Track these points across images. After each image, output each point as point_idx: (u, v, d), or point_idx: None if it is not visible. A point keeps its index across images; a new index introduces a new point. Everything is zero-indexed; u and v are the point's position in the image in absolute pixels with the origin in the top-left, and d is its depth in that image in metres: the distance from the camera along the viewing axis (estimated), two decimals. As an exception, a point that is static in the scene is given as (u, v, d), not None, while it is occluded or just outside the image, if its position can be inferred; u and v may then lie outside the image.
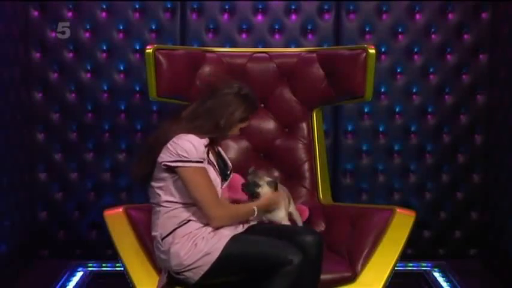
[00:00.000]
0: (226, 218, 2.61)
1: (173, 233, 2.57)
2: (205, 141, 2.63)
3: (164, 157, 2.56)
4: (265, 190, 2.78)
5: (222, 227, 2.61)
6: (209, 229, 2.59)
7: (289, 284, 2.48)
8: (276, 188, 2.81)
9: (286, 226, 2.88)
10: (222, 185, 2.70)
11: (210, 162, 2.65)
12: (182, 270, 2.55)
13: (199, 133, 2.60)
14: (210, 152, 2.68)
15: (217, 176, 2.68)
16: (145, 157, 2.63)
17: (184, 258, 2.53)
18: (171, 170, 2.56)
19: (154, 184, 2.63)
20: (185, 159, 2.53)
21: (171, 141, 2.55)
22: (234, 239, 2.57)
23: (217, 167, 2.71)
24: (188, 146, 2.54)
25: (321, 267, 2.66)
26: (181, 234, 2.56)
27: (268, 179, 2.82)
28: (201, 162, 2.57)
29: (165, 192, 2.60)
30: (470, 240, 4.27)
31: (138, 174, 2.66)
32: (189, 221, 2.59)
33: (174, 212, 2.59)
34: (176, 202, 2.59)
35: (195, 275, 2.54)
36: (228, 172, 2.81)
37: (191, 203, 2.59)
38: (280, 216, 2.85)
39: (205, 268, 2.52)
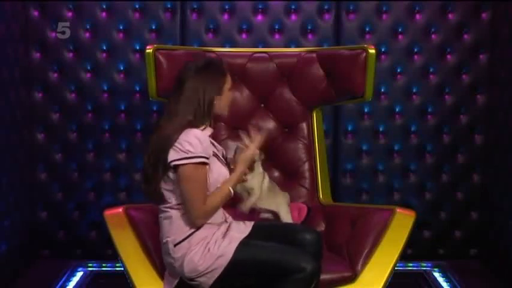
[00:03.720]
0: (204, 217, 2.57)
1: (189, 239, 2.55)
2: (207, 132, 2.62)
3: (171, 156, 2.52)
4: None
5: (234, 223, 2.65)
6: (220, 231, 2.59)
7: None
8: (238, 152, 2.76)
9: (286, 224, 2.90)
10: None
11: (214, 154, 2.64)
12: (196, 276, 2.54)
13: (194, 124, 2.57)
14: (213, 144, 2.69)
15: (224, 167, 2.67)
16: (156, 172, 2.56)
17: (199, 264, 2.52)
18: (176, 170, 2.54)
19: (165, 186, 2.58)
20: (191, 154, 2.50)
21: (179, 139, 2.52)
22: (246, 244, 2.57)
23: (222, 158, 2.71)
24: (194, 140, 2.52)
25: (321, 265, 2.66)
26: (197, 240, 2.55)
27: (236, 145, 2.79)
28: (206, 158, 2.54)
29: (176, 194, 2.57)
30: (470, 240, 4.27)
31: (154, 192, 2.59)
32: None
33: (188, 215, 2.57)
34: None
35: (209, 280, 2.54)
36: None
37: None
38: (283, 214, 2.93)
39: (219, 271, 2.52)
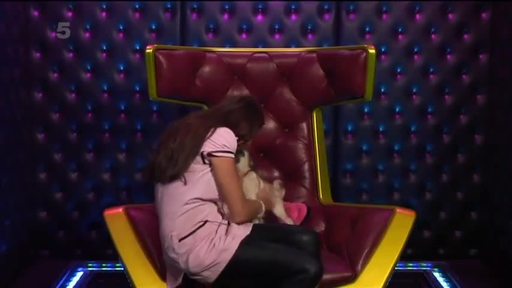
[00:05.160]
0: (247, 214, 2.68)
1: (194, 235, 2.57)
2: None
3: (207, 147, 2.60)
4: (241, 162, 2.89)
5: (235, 224, 2.65)
6: (223, 228, 2.62)
7: None
8: (250, 166, 2.92)
9: (283, 226, 2.91)
10: None
11: None
12: (201, 270, 2.56)
13: (235, 132, 2.70)
14: None
15: None
16: (182, 154, 2.60)
17: (205, 258, 2.54)
18: (205, 162, 2.60)
19: (187, 177, 2.62)
20: (227, 149, 2.62)
21: (214, 134, 2.63)
22: (249, 243, 2.58)
23: None
24: (230, 138, 2.65)
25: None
26: (202, 236, 2.57)
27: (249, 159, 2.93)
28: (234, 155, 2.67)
29: (190, 187, 2.60)
30: (470, 240, 4.27)
31: (170, 174, 2.61)
32: (207, 221, 2.60)
33: (194, 211, 2.59)
34: (198, 198, 2.60)
35: (213, 274, 2.55)
36: None
37: (209, 200, 2.62)
38: (279, 211, 2.97)
39: (223, 265, 2.53)
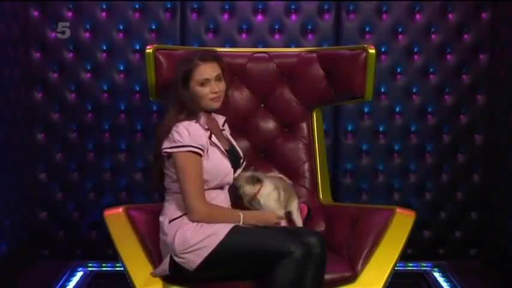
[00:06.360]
0: (204, 214, 2.63)
1: (182, 217, 2.65)
2: (202, 123, 2.74)
3: (164, 145, 2.67)
4: (246, 189, 2.81)
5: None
6: None
7: (292, 275, 2.50)
8: (255, 182, 2.82)
9: (289, 227, 2.90)
10: (234, 171, 2.81)
11: (212, 144, 2.73)
12: (185, 251, 2.57)
13: (186, 118, 2.71)
14: (212, 135, 2.76)
15: (225, 159, 2.76)
16: (157, 163, 2.75)
17: (191, 237, 2.57)
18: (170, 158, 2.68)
19: (167, 172, 2.74)
20: (179, 144, 2.63)
21: (171, 131, 2.67)
22: (237, 230, 2.61)
23: (223, 150, 2.78)
24: (182, 130, 2.65)
25: (325, 267, 2.66)
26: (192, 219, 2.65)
27: (247, 174, 2.84)
28: (198, 148, 2.64)
29: (173, 180, 2.70)
30: (470, 240, 4.27)
31: (157, 183, 2.78)
32: None
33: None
34: None
35: (196, 258, 2.55)
36: (241, 161, 2.90)
37: None
38: (294, 214, 2.97)
39: (209, 250, 2.54)
